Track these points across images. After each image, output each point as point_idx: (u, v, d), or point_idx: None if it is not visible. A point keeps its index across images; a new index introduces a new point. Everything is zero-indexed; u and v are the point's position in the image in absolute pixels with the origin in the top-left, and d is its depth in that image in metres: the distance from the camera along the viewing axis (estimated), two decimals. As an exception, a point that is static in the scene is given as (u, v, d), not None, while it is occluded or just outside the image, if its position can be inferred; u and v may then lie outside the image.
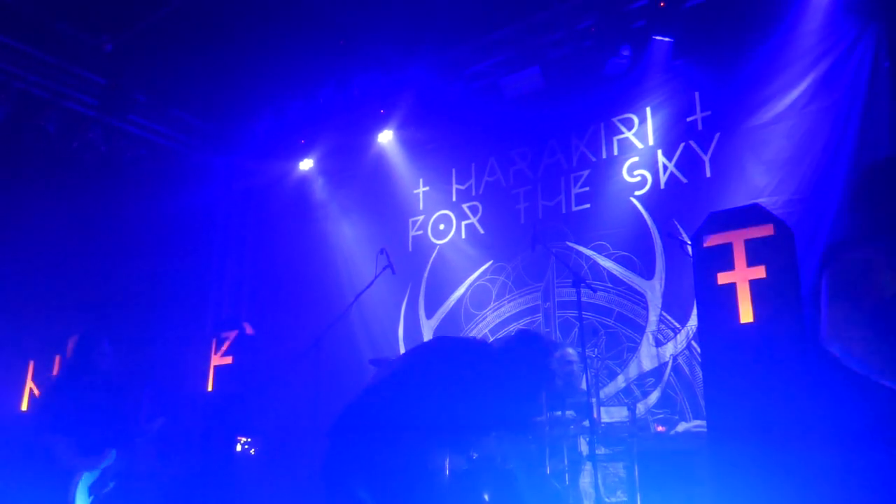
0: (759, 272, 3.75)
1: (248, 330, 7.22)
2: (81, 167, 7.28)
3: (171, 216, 7.70)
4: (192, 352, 7.68)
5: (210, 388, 7.32)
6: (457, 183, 7.31)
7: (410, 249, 7.41)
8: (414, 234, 7.48)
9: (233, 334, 7.16)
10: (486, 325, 6.72)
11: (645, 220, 6.05)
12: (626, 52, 5.96)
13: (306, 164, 8.01)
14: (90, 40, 6.64)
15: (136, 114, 7.38)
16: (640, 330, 5.89)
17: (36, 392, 7.02)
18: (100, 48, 6.66)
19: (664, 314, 5.80)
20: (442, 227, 7.29)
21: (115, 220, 7.49)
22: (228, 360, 7.17)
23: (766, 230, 3.83)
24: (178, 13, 6.13)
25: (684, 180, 5.96)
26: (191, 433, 7.14)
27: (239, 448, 6.78)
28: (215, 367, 7.36)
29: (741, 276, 3.79)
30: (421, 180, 7.52)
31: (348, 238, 7.78)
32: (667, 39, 5.87)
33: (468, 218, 7.13)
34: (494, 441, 4.30)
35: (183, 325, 7.96)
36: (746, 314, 3.76)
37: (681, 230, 5.72)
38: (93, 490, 4.87)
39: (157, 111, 7.61)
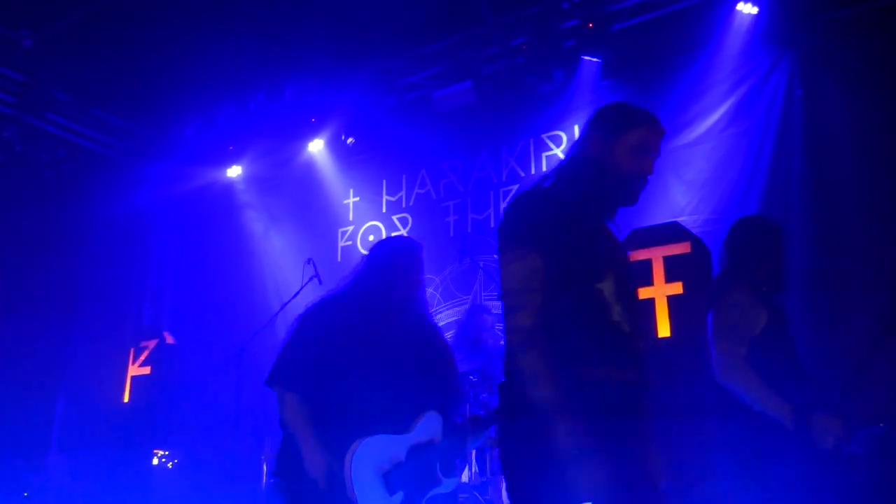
0: (677, 288, 3.87)
1: (169, 339, 7.03)
2: (-6, 167, 6.99)
3: (91, 220, 7.45)
4: (108, 361, 7.43)
5: (126, 399, 7.08)
6: (387, 194, 7.30)
7: (339, 260, 7.34)
8: (343, 244, 7.42)
9: (152, 343, 6.96)
10: (414, 337, 6.70)
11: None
12: (556, 71, 6.10)
13: (234, 171, 7.85)
14: (9, 34, 6.37)
15: (56, 113, 7.11)
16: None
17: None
18: (19, 43, 6.39)
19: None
20: (371, 237, 7.25)
21: (30, 224, 7.20)
22: (147, 370, 6.95)
23: (684, 247, 3.97)
24: (105, 10, 5.94)
25: (609, 197, 6.09)
26: (106, 445, 6.89)
27: (156, 461, 6.58)
28: (133, 377, 7.13)
29: (660, 292, 3.90)
30: (351, 190, 7.48)
31: (276, 247, 7.66)
32: (595, 60, 6.04)
33: (398, 229, 7.12)
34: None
35: (100, 334, 7.69)
36: (664, 328, 3.87)
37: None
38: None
39: (78, 111, 7.33)
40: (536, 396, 1.78)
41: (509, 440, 1.89)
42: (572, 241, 1.92)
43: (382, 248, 3.05)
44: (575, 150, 2.13)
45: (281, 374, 2.86)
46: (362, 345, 2.76)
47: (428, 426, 2.78)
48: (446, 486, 2.78)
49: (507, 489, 1.90)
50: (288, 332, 2.95)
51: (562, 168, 2.11)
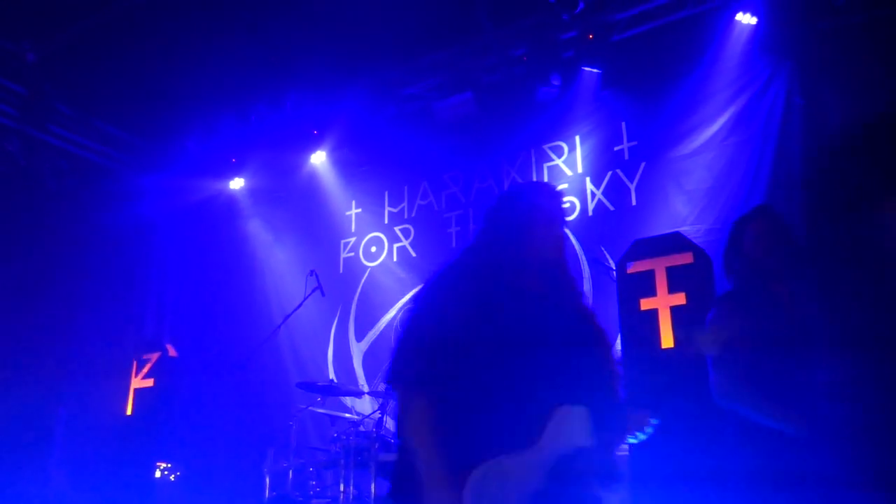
0: (680, 298, 3.87)
1: (171, 352, 7.02)
2: (-2, 179, 7.00)
3: (93, 232, 7.45)
4: (111, 373, 7.42)
5: (129, 412, 7.07)
6: (389, 205, 7.31)
7: (341, 271, 7.35)
8: (345, 255, 7.43)
9: (155, 356, 6.95)
10: (416, 347, 6.69)
11: (573, 246, 6.17)
12: (556, 81, 6.13)
13: (237, 183, 7.88)
14: (11, 47, 6.40)
15: (58, 125, 7.14)
16: (568, 353, 5.96)
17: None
18: (21, 56, 6.42)
19: (590, 338, 5.89)
20: (374, 249, 7.26)
21: (33, 235, 7.20)
22: (150, 382, 6.94)
23: (686, 258, 3.97)
24: (106, 23, 5.98)
25: (611, 208, 6.11)
26: (108, 458, 6.87)
27: (158, 474, 6.56)
28: (135, 389, 7.12)
29: (663, 303, 3.91)
30: (353, 202, 7.49)
31: (278, 259, 7.67)
32: (595, 70, 6.07)
33: (400, 241, 7.13)
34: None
35: (102, 346, 7.67)
36: (667, 339, 3.86)
37: (607, 256, 5.85)
38: None
39: (81, 123, 7.36)
40: None
41: None
42: None
43: (514, 200, 2.38)
44: None
45: (405, 369, 2.16)
46: (503, 327, 2.09)
47: (570, 428, 2.00)
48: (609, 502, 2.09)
49: None
50: (409, 314, 2.27)
51: None
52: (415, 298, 2.26)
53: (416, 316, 2.21)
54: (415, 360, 2.12)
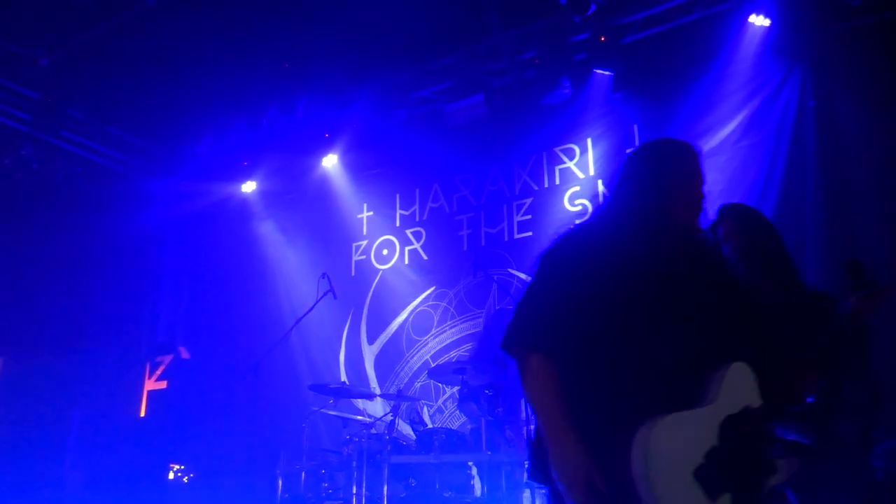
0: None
1: (184, 354, 7.07)
2: (12, 185, 7.05)
3: (106, 236, 7.50)
4: (124, 376, 7.47)
5: (143, 414, 7.11)
6: (401, 208, 7.32)
7: (353, 274, 7.37)
8: (357, 258, 7.44)
9: (168, 358, 7.00)
10: (428, 350, 6.71)
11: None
12: (567, 84, 6.11)
13: (249, 187, 7.91)
14: (25, 54, 6.45)
15: (71, 131, 7.20)
16: (579, 357, 5.95)
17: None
18: (35, 62, 6.48)
19: (603, 341, 5.87)
20: (385, 252, 7.28)
21: (47, 240, 7.26)
22: (163, 384, 6.99)
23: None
24: (119, 29, 6.02)
25: (623, 211, 6.08)
26: (122, 460, 6.92)
27: (172, 475, 6.59)
28: (149, 391, 7.16)
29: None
30: (365, 205, 7.51)
31: (290, 262, 7.70)
32: (607, 73, 6.05)
33: (412, 243, 7.14)
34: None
35: (116, 350, 7.74)
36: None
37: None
38: None
39: (93, 129, 7.43)
40: None
41: None
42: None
43: (649, 153, 2.25)
44: None
45: (525, 330, 1.99)
46: (638, 281, 1.95)
47: (737, 387, 1.90)
48: (784, 469, 1.95)
49: None
50: (533, 276, 2.09)
51: None
52: (543, 253, 2.08)
53: (541, 272, 2.05)
54: (537, 319, 1.97)
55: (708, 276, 2.08)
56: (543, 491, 1.93)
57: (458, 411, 5.87)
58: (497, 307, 6.36)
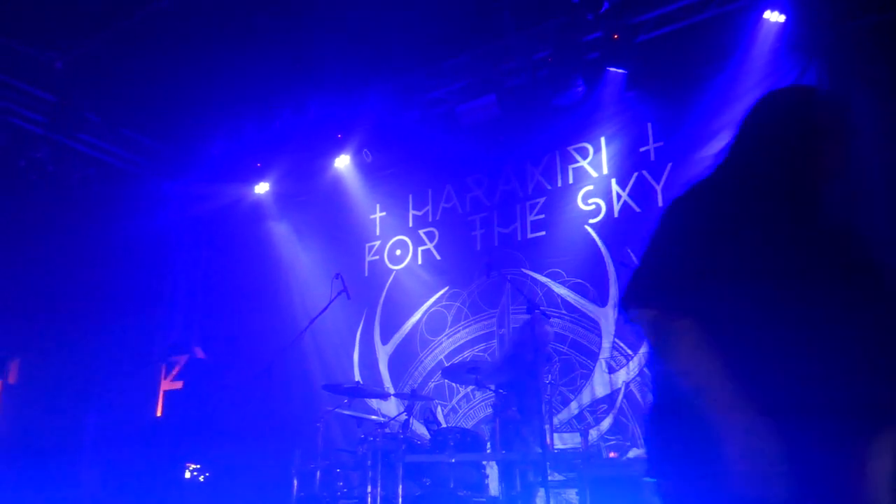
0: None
1: (199, 354, 7.10)
2: (27, 186, 7.10)
3: (120, 237, 7.54)
4: (141, 376, 7.51)
5: (159, 414, 7.15)
6: (413, 209, 7.32)
7: (366, 274, 7.38)
8: (370, 259, 7.45)
9: (183, 359, 7.03)
10: (442, 350, 6.71)
11: (599, 248, 6.14)
12: (580, 83, 6.09)
13: (262, 188, 7.94)
14: (40, 56, 6.50)
15: (86, 133, 7.24)
16: (594, 357, 5.95)
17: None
18: (50, 65, 6.52)
19: (617, 341, 5.87)
20: (398, 252, 7.28)
21: (62, 241, 7.31)
22: (179, 384, 7.02)
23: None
24: (132, 31, 6.05)
25: (637, 209, 6.07)
26: (138, 459, 6.96)
27: (188, 475, 6.62)
28: (165, 391, 7.20)
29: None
30: (378, 205, 7.52)
31: (303, 262, 7.72)
32: (620, 71, 6.02)
33: (425, 244, 7.14)
34: None
35: (132, 350, 7.78)
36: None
37: (633, 258, 5.81)
38: None
39: (108, 131, 7.47)
40: None
41: None
42: None
43: (780, 106, 1.89)
44: None
45: (652, 286, 1.75)
46: (768, 243, 1.70)
47: None
48: None
49: None
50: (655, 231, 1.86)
51: None
52: (666, 209, 1.87)
53: (663, 226, 1.85)
54: (670, 279, 1.73)
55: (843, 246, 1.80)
56: (668, 484, 1.67)
57: (471, 411, 5.85)
58: (522, 321, 6.29)
